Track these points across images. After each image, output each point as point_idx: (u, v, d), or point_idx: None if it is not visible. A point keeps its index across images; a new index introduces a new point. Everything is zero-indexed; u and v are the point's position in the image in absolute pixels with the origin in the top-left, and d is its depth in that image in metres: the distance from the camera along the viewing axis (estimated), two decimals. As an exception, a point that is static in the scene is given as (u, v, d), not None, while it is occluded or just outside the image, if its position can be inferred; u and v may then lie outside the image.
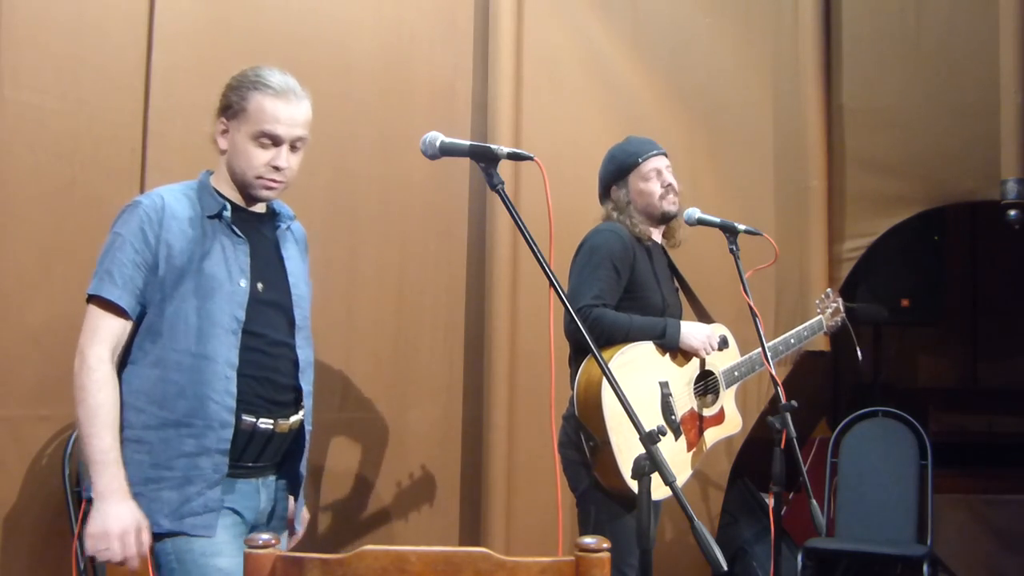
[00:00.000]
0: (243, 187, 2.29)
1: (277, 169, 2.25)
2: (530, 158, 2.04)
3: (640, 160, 3.09)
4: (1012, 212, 3.86)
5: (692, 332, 2.99)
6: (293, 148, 2.27)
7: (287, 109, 2.24)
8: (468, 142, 2.05)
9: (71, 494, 2.95)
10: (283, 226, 2.39)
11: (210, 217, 2.24)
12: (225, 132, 2.28)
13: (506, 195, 2.01)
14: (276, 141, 2.24)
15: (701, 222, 3.13)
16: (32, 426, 3.02)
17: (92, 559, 2.16)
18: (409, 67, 4.03)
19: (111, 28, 3.25)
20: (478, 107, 4.17)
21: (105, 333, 2.15)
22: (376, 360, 3.89)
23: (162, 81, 3.35)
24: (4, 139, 3.00)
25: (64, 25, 3.14)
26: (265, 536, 1.49)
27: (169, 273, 2.17)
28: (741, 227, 3.11)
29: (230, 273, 2.21)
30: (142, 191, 3.30)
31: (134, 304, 2.16)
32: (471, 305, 4.12)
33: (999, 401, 5.32)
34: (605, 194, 3.17)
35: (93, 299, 2.17)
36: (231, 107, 2.26)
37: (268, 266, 2.32)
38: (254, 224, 2.33)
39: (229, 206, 2.27)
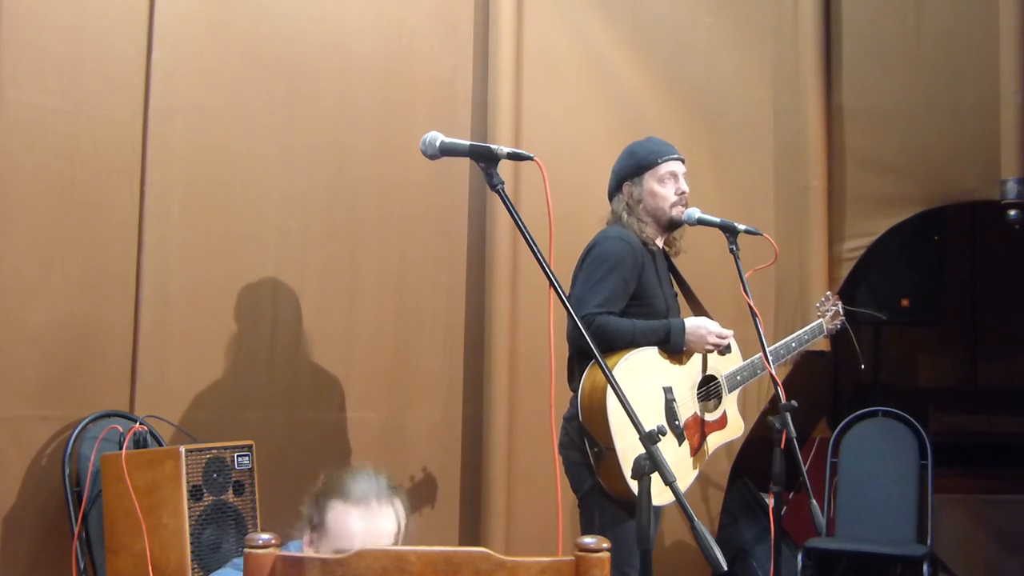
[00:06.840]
0: None
1: None
2: (530, 158, 2.04)
3: (659, 161, 3.04)
4: (1012, 212, 3.85)
5: (695, 332, 2.95)
6: None
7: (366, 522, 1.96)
8: (468, 142, 2.05)
9: (71, 494, 2.95)
10: None
11: None
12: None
13: (506, 195, 2.01)
14: None
15: (701, 222, 3.10)
16: (32, 426, 3.02)
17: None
18: (409, 67, 4.03)
19: (111, 28, 3.26)
20: (478, 107, 4.17)
21: None
22: (376, 360, 3.89)
23: (162, 81, 3.35)
24: (4, 139, 3.00)
25: (64, 26, 3.15)
26: (265, 536, 1.49)
27: None
28: (741, 227, 3.09)
29: None
30: (142, 191, 3.32)
31: None
32: (471, 305, 4.12)
33: (999, 401, 5.30)
34: (616, 188, 3.11)
35: None
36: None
37: None
38: None
39: None
